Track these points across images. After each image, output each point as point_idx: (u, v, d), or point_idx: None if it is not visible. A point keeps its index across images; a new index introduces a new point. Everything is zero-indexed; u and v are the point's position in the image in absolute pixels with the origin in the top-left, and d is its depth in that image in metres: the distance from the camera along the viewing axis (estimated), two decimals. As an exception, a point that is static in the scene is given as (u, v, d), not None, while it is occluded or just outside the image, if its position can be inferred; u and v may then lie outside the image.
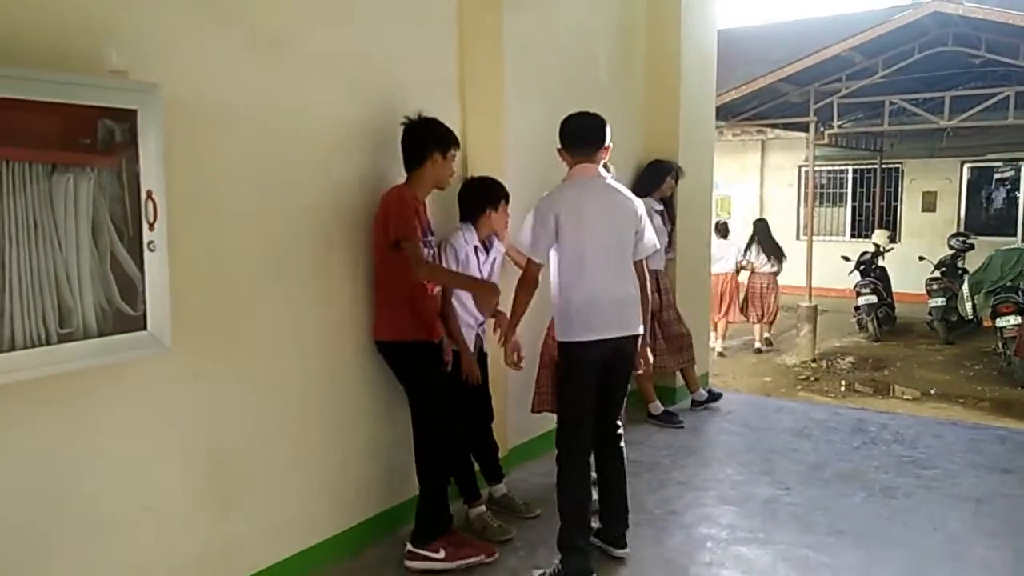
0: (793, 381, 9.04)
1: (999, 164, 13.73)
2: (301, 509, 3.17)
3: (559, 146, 3.23)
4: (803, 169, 14.53)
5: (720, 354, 10.04)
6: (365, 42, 3.31)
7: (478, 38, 3.87)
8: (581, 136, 3.19)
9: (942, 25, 9.25)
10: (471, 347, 3.60)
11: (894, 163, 14.53)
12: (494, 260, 3.69)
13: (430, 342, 3.27)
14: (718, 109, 10.48)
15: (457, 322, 3.52)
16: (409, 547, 3.29)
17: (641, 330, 3.27)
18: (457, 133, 3.37)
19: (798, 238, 14.51)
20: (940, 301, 10.68)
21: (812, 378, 9.16)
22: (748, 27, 16.24)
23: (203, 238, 2.72)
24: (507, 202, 3.63)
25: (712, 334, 10.24)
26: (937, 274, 11.08)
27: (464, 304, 3.58)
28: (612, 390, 3.26)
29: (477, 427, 3.72)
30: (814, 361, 9.82)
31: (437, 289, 3.36)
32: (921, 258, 11.62)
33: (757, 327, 10.50)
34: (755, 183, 15.94)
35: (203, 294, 2.73)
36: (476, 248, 3.58)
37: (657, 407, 5.28)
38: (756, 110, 11.04)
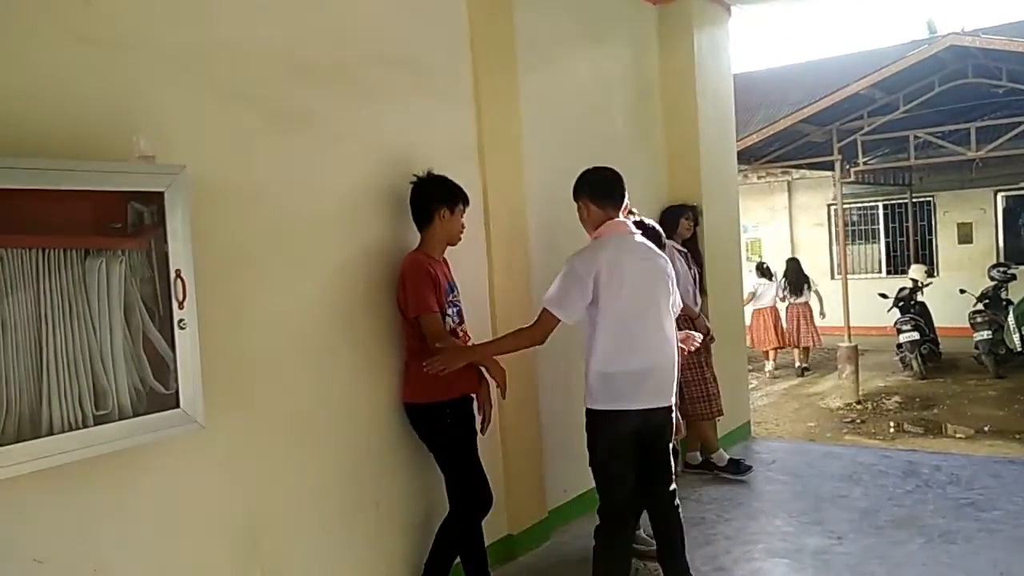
0: (839, 425, 8.80)
1: (1034, 192, 13.52)
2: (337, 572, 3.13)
3: (581, 200, 3.21)
4: (832, 207, 14.42)
5: (772, 376, 11.61)
6: (384, 114, 3.37)
7: (494, 99, 3.93)
8: (607, 189, 3.18)
9: (960, 58, 9.22)
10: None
11: (925, 196, 14.36)
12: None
13: (460, 399, 3.26)
14: (741, 153, 10.54)
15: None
16: None
17: (675, 400, 3.17)
18: (477, 192, 3.41)
19: (832, 277, 14.34)
20: (986, 334, 10.39)
21: (858, 420, 8.91)
22: (766, 70, 16.37)
23: (231, 314, 2.75)
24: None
25: (766, 361, 11.94)
26: (980, 307, 10.82)
27: None
28: (654, 456, 3.14)
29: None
30: (859, 403, 9.57)
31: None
32: (962, 291, 11.37)
33: (796, 351, 11.79)
34: (784, 224, 15.84)
35: (234, 369, 2.75)
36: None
37: (722, 457, 5.16)
38: (779, 152, 11.04)
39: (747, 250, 16.19)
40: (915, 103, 9.72)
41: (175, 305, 2.41)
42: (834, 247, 14.61)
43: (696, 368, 4.93)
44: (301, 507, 2.98)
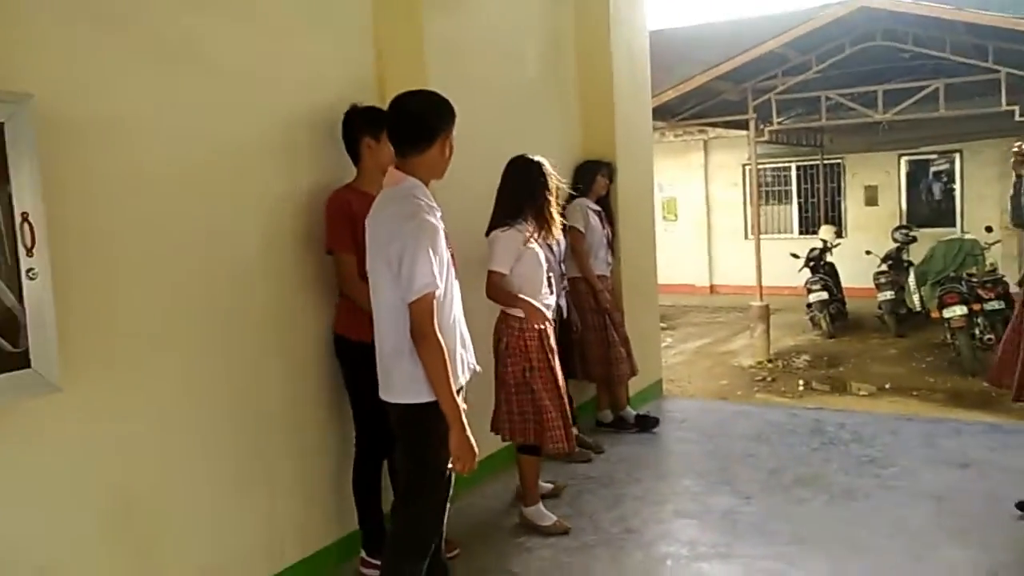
0: (750, 383, 8.96)
1: (934, 156, 13.95)
2: (229, 552, 2.89)
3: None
4: (747, 167, 14.62)
5: None
6: (276, 45, 3.07)
7: (395, 40, 3.64)
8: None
9: (871, 20, 9.31)
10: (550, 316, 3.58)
11: (835, 158, 14.67)
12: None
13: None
14: (656, 110, 10.42)
15: None
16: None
17: (400, 400, 2.47)
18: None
19: (746, 237, 14.57)
20: (889, 295, 10.72)
21: (769, 379, 9.09)
22: (683, 28, 16.31)
23: (103, 263, 2.46)
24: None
25: None
26: (884, 268, 11.14)
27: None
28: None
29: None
30: (770, 361, 9.76)
31: None
32: (867, 252, 11.69)
33: None
34: (700, 184, 15.98)
35: (106, 325, 2.47)
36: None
37: (629, 414, 5.11)
38: (695, 109, 11.01)
39: (662, 209, 16.31)
40: (827, 64, 9.80)
41: (22, 252, 2.15)
42: (748, 207, 14.84)
43: (599, 330, 4.81)
44: (185, 477, 2.73)
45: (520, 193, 3.56)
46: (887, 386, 8.37)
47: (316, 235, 3.15)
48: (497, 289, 3.53)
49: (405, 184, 2.41)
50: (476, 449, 2.44)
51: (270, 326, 3.03)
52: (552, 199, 3.55)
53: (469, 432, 2.43)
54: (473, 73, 4.21)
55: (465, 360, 2.61)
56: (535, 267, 3.59)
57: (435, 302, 2.35)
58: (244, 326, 2.93)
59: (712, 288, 15.80)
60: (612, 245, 5.13)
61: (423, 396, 2.40)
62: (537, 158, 3.60)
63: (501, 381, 3.58)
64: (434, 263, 2.32)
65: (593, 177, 5.00)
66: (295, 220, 3.12)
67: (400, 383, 2.44)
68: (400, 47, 3.65)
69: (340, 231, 3.00)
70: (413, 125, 2.44)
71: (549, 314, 3.65)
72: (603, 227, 4.96)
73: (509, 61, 4.66)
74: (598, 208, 4.99)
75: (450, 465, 2.49)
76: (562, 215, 3.73)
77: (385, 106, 3.46)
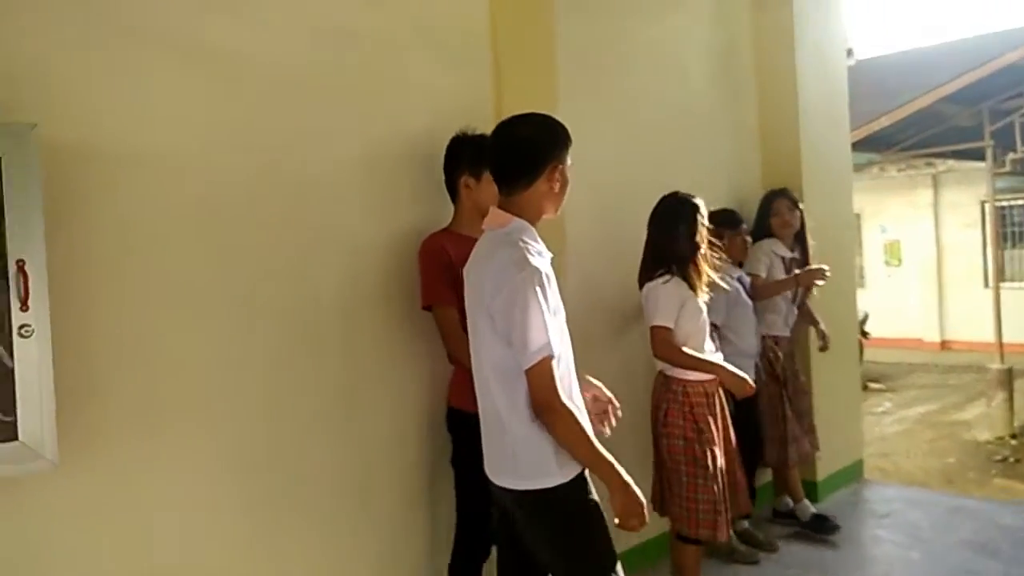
0: (985, 463, 7.34)
1: None
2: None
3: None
4: (986, 204, 12.58)
5: None
6: (360, 57, 2.60)
7: (520, 56, 3.07)
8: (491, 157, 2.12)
9: None
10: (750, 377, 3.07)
11: (1104, 192, 12.26)
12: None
13: None
14: (868, 140, 9.19)
15: None
16: None
17: (527, 486, 1.98)
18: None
19: (986, 285, 12.45)
20: None
21: (1012, 459, 7.42)
22: (909, 51, 14.54)
23: (117, 320, 2.06)
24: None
25: None
26: None
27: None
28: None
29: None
30: (1013, 437, 8.01)
31: None
32: None
33: None
34: (929, 224, 14.00)
35: (120, 393, 2.06)
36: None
37: (805, 510, 4.07)
38: (917, 138, 9.53)
39: (884, 253, 14.50)
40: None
41: (15, 306, 1.84)
42: (988, 251, 12.72)
43: (774, 402, 3.93)
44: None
45: (665, 238, 3.05)
46: None
47: (410, 288, 2.66)
48: (668, 346, 2.98)
49: (510, 226, 2.01)
50: (643, 499, 1.98)
51: (345, 401, 2.52)
52: (703, 248, 3.00)
53: (632, 484, 1.96)
54: (620, 93, 3.60)
55: None
56: (696, 319, 3.01)
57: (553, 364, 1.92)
58: (313, 399, 2.44)
59: (943, 344, 13.69)
60: (798, 299, 4.19)
61: (552, 478, 1.96)
62: (693, 198, 3.04)
63: (661, 456, 3.05)
64: (549, 320, 1.91)
65: (768, 209, 4.14)
66: (383, 270, 2.62)
67: (518, 464, 1.99)
68: (524, 59, 3.09)
69: (437, 282, 2.54)
70: (515, 156, 2.02)
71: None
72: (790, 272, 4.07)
73: (668, 76, 3.96)
74: (790, 253, 4.11)
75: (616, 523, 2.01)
76: (719, 265, 3.12)
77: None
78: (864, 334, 11.60)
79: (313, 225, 2.44)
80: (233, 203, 2.27)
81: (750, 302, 3.85)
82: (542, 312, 1.89)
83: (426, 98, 2.77)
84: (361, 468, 2.55)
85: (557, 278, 2.02)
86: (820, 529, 3.98)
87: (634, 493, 1.97)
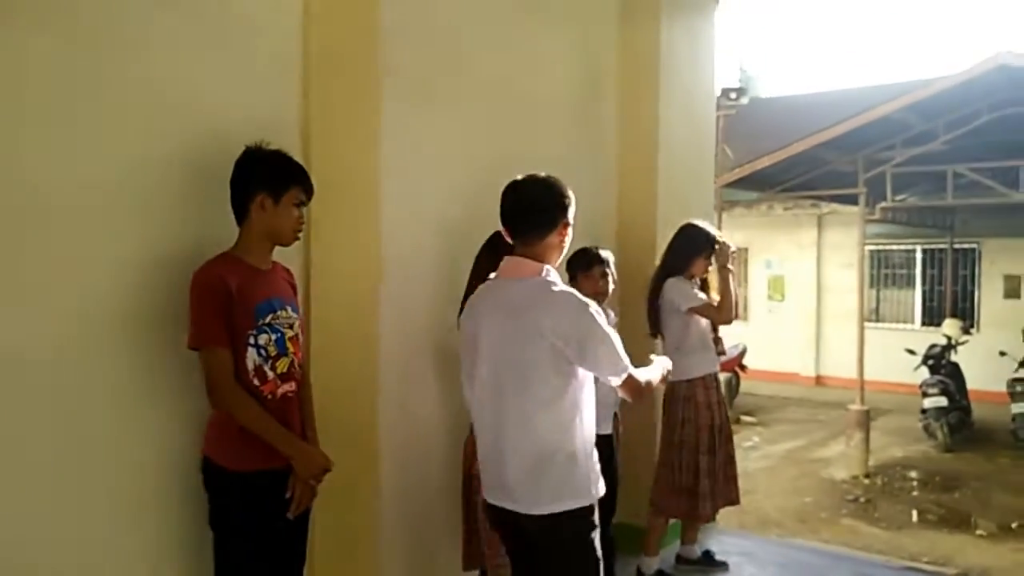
0: (839, 503, 7.49)
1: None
2: None
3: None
4: (867, 247, 13.07)
5: None
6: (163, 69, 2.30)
7: (339, 62, 2.78)
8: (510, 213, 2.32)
9: (1015, 81, 7.86)
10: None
11: (969, 242, 12.88)
12: None
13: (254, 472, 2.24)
14: (751, 179, 9.35)
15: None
16: None
17: (561, 507, 2.19)
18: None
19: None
20: (1026, 407, 8.98)
21: (863, 499, 7.60)
22: (799, 95, 15.05)
23: None
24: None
25: None
26: (1022, 373, 9.40)
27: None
28: None
29: None
30: (867, 476, 8.23)
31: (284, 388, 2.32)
32: (1002, 353, 9.95)
33: None
34: (812, 262, 14.45)
35: None
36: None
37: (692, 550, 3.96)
38: (798, 180, 9.76)
39: (768, 287, 14.89)
40: (957, 133, 8.38)
41: None
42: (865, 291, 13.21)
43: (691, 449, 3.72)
44: None
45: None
46: (1013, 525, 6.73)
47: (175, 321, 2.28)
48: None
49: (545, 273, 2.27)
50: None
51: (76, 452, 2.15)
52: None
53: None
54: (456, 125, 3.35)
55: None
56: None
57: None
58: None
59: (818, 379, 14.10)
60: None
61: (581, 498, 2.22)
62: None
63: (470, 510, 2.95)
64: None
65: (683, 248, 3.78)
66: (140, 299, 2.26)
67: (554, 490, 2.20)
68: (341, 81, 2.81)
69: (210, 319, 2.18)
70: (535, 213, 2.28)
71: None
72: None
73: (517, 112, 3.74)
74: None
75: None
76: None
77: (303, 151, 2.75)
78: (742, 367, 11.84)
79: (56, 241, 2.08)
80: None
81: None
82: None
83: (215, 101, 2.45)
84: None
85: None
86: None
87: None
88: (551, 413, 2.19)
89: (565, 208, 2.29)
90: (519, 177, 2.31)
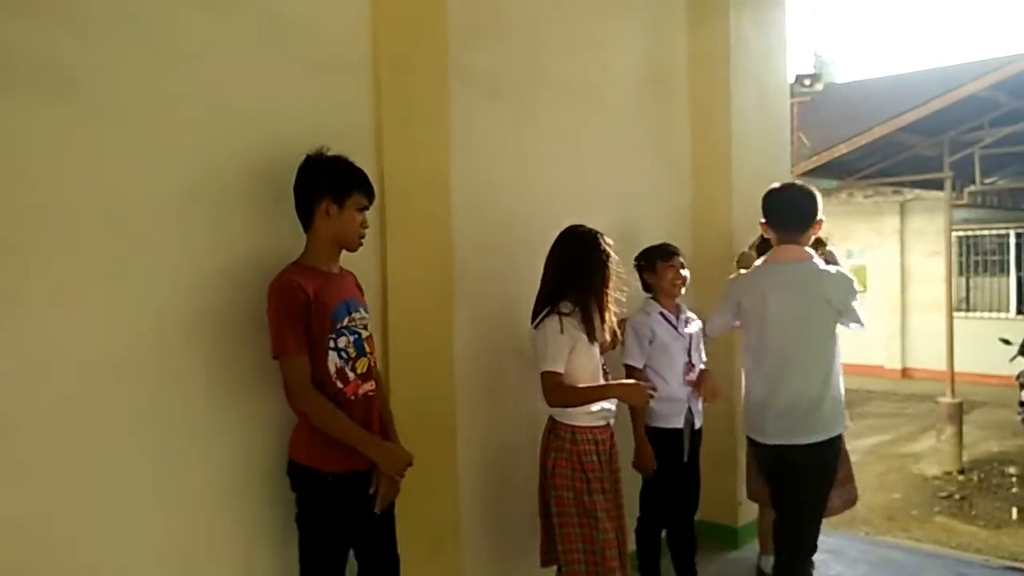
0: (931, 499, 7.22)
1: None
2: None
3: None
4: (954, 234, 12.53)
5: None
6: (231, 80, 2.35)
7: (406, 69, 2.80)
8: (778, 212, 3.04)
9: (1113, 55, 7.45)
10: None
11: (1069, 225, 12.22)
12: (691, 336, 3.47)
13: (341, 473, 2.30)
14: (829, 166, 9.07)
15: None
16: None
17: (833, 432, 2.92)
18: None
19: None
20: None
21: (957, 496, 7.29)
22: (880, 78, 14.51)
23: None
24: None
25: None
26: None
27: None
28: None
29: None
30: (961, 472, 7.90)
31: (365, 387, 2.36)
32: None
33: None
34: (895, 251, 13.95)
35: None
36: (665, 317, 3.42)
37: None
38: (878, 166, 9.43)
39: (851, 278, 14.41)
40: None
41: None
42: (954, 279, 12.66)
43: None
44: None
45: (563, 273, 2.86)
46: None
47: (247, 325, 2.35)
48: (560, 390, 2.74)
49: (816, 257, 3.02)
50: None
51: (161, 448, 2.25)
52: (608, 285, 2.82)
53: None
54: (527, 123, 3.37)
55: None
56: (588, 364, 2.82)
57: None
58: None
59: (904, 371, 13.62)
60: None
61: (840, 426, 2.96)
62: (595, 231, 2.86)
63: (548, 507, 2.86)
64: None
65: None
66: (215, 305, 2.30)
67: (826, 421, 2.90)
68: (409, 84, 2.83)
69: (289, 329, 2.21)
70: (802, 213, 2.98)
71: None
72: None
73: (587, 105, 3.75)
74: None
75: None
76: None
77: (376, 157, 2.80)
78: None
79: (116, 254, 2.16)
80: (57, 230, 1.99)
81: (676, 341, 3.42)
82: None
83: (281, 110, 2.48)
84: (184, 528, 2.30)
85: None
86: None
87: None
88: (831, 365, 2.91)
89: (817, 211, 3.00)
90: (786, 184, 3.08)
